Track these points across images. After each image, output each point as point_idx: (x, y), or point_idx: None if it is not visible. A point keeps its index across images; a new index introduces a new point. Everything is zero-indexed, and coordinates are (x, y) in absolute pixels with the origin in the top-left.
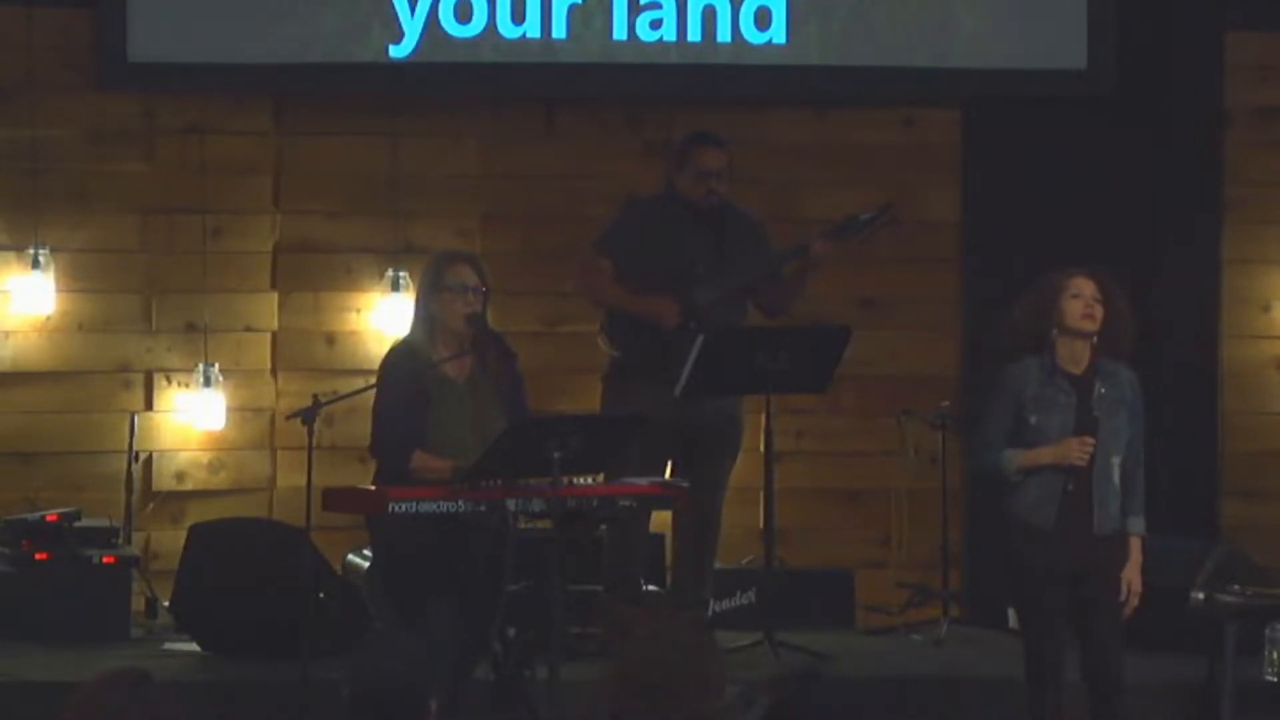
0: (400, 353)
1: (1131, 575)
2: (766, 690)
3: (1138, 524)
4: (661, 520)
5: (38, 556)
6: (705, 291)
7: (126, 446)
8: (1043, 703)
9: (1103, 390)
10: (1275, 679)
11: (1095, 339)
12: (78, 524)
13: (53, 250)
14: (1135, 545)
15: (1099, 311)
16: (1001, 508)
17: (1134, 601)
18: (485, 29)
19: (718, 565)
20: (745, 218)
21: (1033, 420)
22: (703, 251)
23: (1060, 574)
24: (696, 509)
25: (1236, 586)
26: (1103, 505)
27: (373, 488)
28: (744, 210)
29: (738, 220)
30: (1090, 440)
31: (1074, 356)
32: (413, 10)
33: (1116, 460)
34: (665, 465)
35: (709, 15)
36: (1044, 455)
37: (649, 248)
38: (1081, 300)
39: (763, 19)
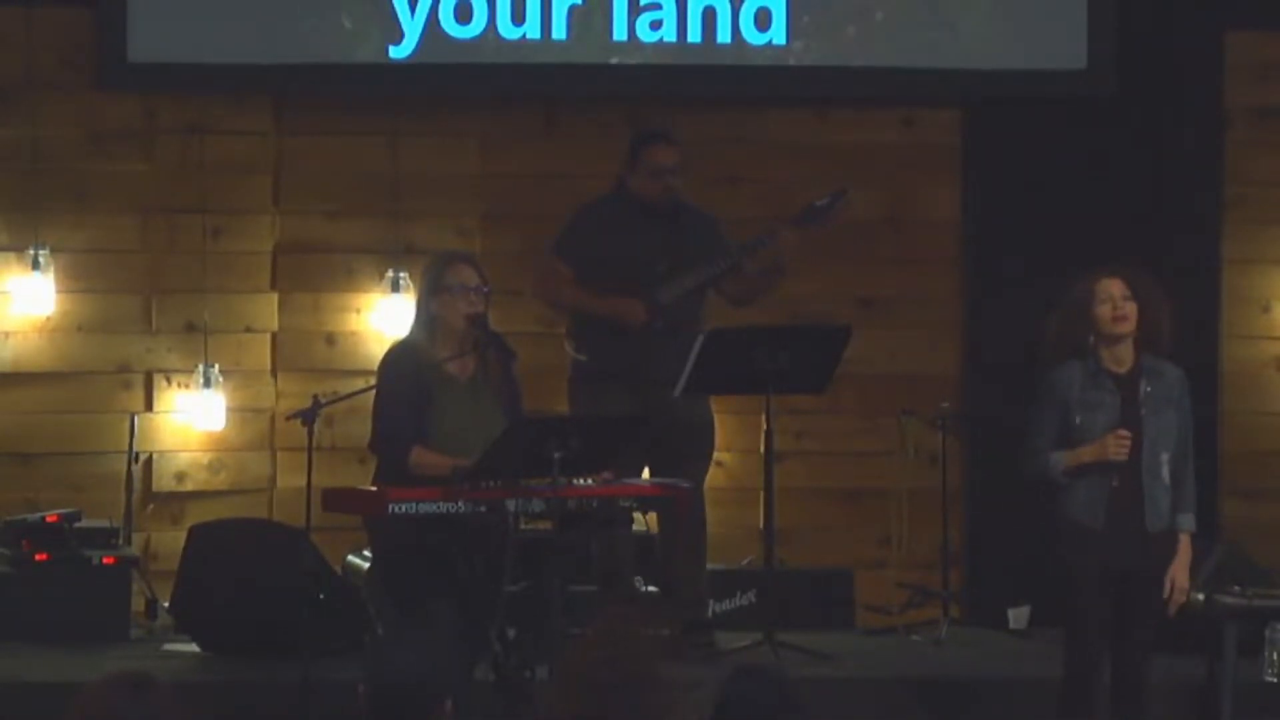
0: (401, 351)
1: (1177, 572)
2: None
3: (1187, 521)
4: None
5: (38, 557)
6: (668, 290)
7: (126, 447)
8: (1082, 703)
9: (1149, 388)
10: (1275, 679)
11: (1135, 337)
12: (78, 524)
13: (53, 250)
14: (1184, 542)
15: (1130, 310)
16: (1051, 510)
17: (1179, 598)
18: (485, 30)
19: (719, 565)
20: (698, 214)
21: (1078, 421)
22: (660, 249)
23: (1110, 574)
24: (679, 513)
25: (1236, 587)
26: (1153, 502)
27: (373, 488)
28: (696, 207)
29: (691, 216)
30: (1126, 434)
31: (1116, 358)
32: (413, 11)
33: (1166, 457)
34: (641, 469)
35: (709, 16)
36: (1085, 454)
37: (606, 249)
38: (1110, 304)
39: (763, 19)
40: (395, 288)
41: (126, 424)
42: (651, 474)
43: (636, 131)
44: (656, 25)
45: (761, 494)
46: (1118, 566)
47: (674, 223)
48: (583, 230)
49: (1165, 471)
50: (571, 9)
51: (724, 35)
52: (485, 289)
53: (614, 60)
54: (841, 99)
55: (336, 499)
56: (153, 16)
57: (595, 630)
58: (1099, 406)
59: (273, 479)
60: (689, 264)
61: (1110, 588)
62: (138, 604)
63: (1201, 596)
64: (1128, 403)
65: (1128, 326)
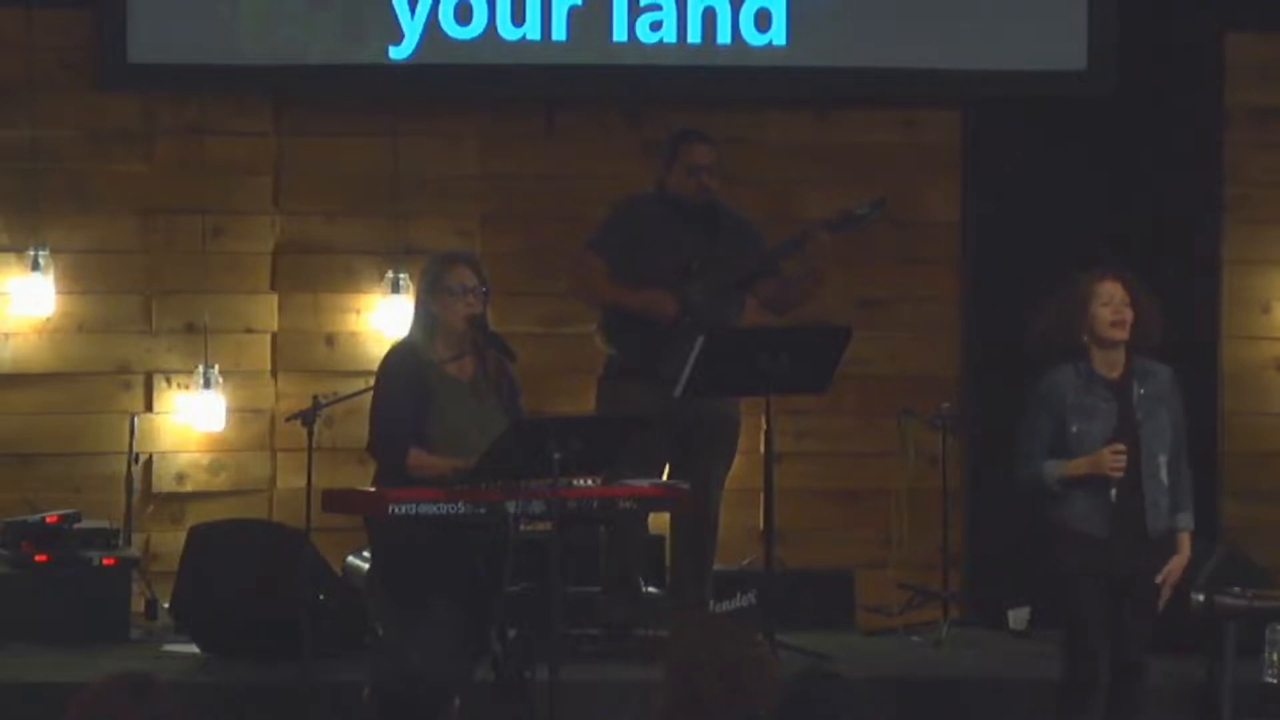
0: (400, 352)
1: (1175, 566)
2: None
3: (1186, 519)
4: (661, 521)
5: (37, 558)
6: (700, 288)
7: (126, 448)
8: (1082, 709)
9: (1141, 391)
10: (1275, 680)
11: (1127, 341)
12: (77, 525)
13: (53, 251)
14: (1184, 541)
15: (1129, 315)
16: (1046, 518)
17: (1166, 593)
18: (485, 30)
19: (718, 566)
20: (735, 215)
21: (1074, 429)
22: (695, 248)
23: (1112, 580)
24: (694, 510)
25: (1237, 588)
26: (1155, 506)
27: (372, 489)
28: (734, 209)
29: (728, 217)
30: (1122, 448)
31: (1109, 361)
32: (413, 11)
33: (1163, 459)
34: (663, 466)
35: (709, 16)
36: (1081, 466)
37: (642, 246)
38: (1111, 307)
39: (763, 20)
40: (395, 288)
41: (126, 424)
42: (673, 472)
43: (675, 130)
44: (656, 26)
45: (761, 494)
46: (1121, 573)
47: (709, 222)
48: (618, 226)
49: (1164, 473)
50: (571, 9)
51: (724, 36)
52: (484, 290)
53: (613, 61)
54: (841, 99)
55: (336, 500)
56: (153, 17)
57: (689, 625)
58: (1095, 414)
59: (273, 480)
60: (722, 263)
61: (1109, 593)
62: (138, 604)
63: (1201, 596)
64: (1123, 408)
65: (1123, 333)
